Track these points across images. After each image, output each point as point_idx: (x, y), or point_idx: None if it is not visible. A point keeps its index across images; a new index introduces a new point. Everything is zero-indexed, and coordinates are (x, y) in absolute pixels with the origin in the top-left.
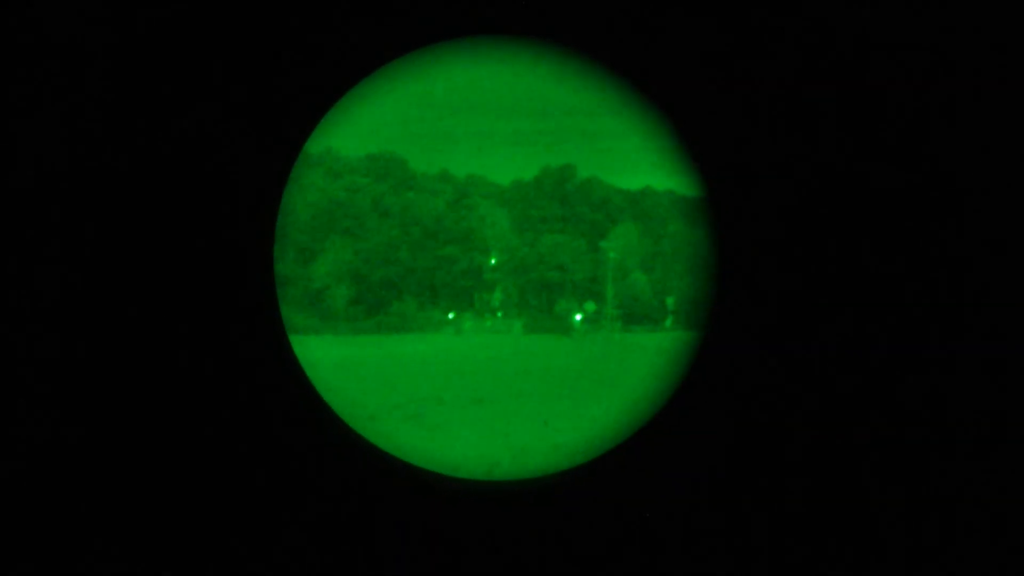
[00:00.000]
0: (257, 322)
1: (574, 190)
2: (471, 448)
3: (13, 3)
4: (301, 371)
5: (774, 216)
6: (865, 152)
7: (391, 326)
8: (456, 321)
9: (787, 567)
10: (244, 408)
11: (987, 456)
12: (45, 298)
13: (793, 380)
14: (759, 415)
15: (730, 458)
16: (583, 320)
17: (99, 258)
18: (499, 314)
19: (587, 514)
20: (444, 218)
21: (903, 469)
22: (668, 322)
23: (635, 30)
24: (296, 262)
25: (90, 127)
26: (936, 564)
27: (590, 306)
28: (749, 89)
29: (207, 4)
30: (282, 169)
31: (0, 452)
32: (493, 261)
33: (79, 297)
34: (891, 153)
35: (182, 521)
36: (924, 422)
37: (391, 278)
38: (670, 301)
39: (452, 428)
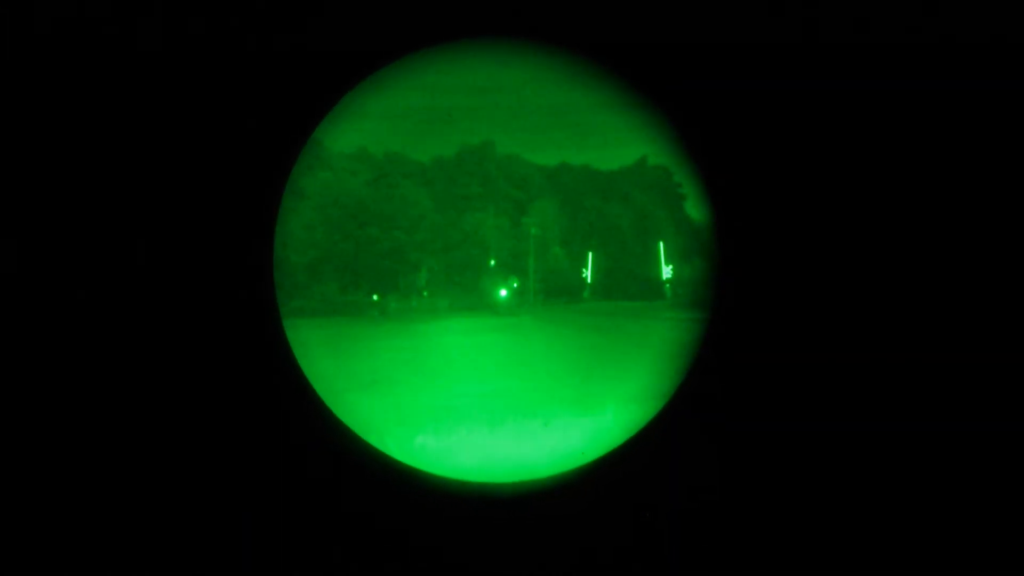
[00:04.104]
0: (254, 317)
1: (494, 167)
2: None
3: (14, 1)
4: (298, 369)
5: (776, 215)
6: (866, 150)
7: (313, 310)
8: (381, 303)
9: (789, 568)
10: (240, 402)
11: (988, 456)
12: (43, 291)
13: (794, 382)
14: (758, 415)
15: (726, 460)
16: (508, 296)
17: (102, 254)
18: (425, 294)
19: (583, 517)
20: (363, 198)
21: (905, 471)
22: (586, 293)
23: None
24: None
25: (89, 124)
26: (942, 564)
27: (513, 281)
28: (749, 87)
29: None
30: (282, 165)
31: None
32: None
33: (75, 289)
34: (892, 151)
35: (171, 507)
36: (925, 422)
37: (310, 261)
38: (586, 273)
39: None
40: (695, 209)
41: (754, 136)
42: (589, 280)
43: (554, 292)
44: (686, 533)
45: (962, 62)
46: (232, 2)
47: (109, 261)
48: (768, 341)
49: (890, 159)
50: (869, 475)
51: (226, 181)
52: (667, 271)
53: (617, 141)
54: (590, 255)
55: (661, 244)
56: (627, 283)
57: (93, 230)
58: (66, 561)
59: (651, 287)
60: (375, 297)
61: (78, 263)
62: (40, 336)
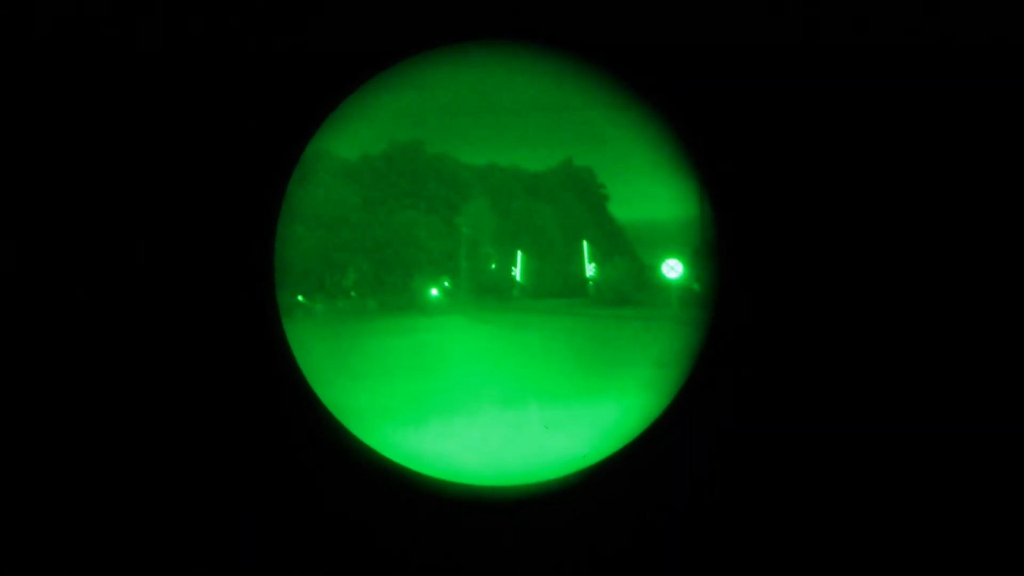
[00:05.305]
0: (254, 317)
1: (424, 165)
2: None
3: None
4: (298, 370)
5: (777, 214)
6: (866, 150)
7: None
8: (306, 304)
9: (789, 568)
10: (240, 402)
11: (988, 456)
12: (43, 291)
13: (795, 382)
14: (761, 416)
15: (728, 461)
16: (439, 295)
17: (102, 254)
18: (352, 294)
19: (583, 518)
20: (287, 196)
21: (905, 471)
22: (515, 292)
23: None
24: None
25: (89, 124)
26: (942, 564)
27: (444, 281)
28: (751, 86)
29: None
30: (283, 166)
31: None
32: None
33: (75, 289)
34: (895, 151)
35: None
36: (925, 422)
37: None
38: (517, 273)
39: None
40: (617, 209)
41: (754, 136)
42: (519, 279)
43: (484, 291)
44: (686, 533)
45: (962, 62)
46: (232, 2)
47: (109, 261)
48: (768, 341)
49: (890, 159)
50: (869, 475)
51: (226, 181)
52: (590, 269)
53: (544, 141)
54: (519, 254)
55: (585, 243)
56: (553, 281)
57: (93, 230)
58: (66, 561)
59: (575, 285)
60: (300, 298)
61: (78, 263)
62: (40, 336)
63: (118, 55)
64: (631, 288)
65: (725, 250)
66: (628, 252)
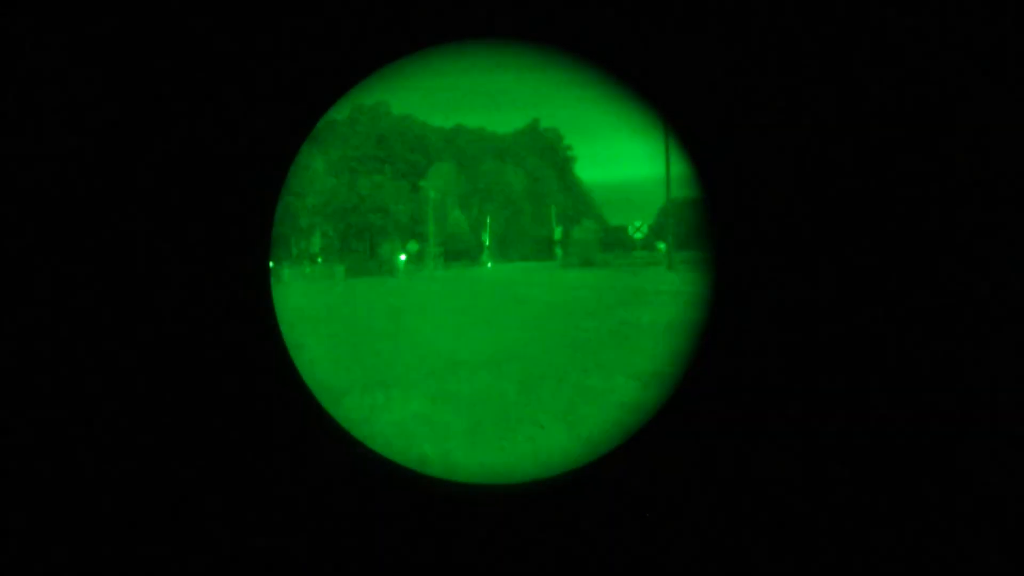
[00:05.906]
0: (251, 318)
1: (389, 128)
2: None
3: (12, 3)
4: (294, 370)
5: (774, 213)
6: (866, 150)
7: None
8: (274, 270)
9: (789, 568)
10: (239, 403)
11: (988, 456)
12: (43, 290)
13: (794, 382)
14: (763, 413)
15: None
16: (408, 260)
17: (100, 254)
18: (319, 260)
19: (582, 518)
20: None
21: (905, 471)
22: (484, 256)
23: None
24: None
25: (89, 121)
26: (942, 564)
27: (413, 246)
28: (748, 86)
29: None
30: (281, 166)
31: None
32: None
33: (74, 289)
34: (894, 150)
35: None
36: (925, 422)
37: None
38: (485, 236)
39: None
40: (584, 171)
41: (754, 136)
42: (487, 243)
43: (453, 255)
44: (686, 533)
45: (962, 62)
46: (232, 2)
47: (108, 261)
48: (768, 341)
49: (890, 159)
50: (869, 475)
51: (225, 181)
52: (557, 232)
53: (510, 103)
54: (488, 219)
55: (553, 207)
56: (521, 244)
57: (91, 230)
58: (63, 561)
59: (543, 248)
60: (269, 264)
61: (78, 263)
62: (39, 336)
63: (120, 49)
64: (597, 250)
65: (723, 250)
66: (595, 214)
